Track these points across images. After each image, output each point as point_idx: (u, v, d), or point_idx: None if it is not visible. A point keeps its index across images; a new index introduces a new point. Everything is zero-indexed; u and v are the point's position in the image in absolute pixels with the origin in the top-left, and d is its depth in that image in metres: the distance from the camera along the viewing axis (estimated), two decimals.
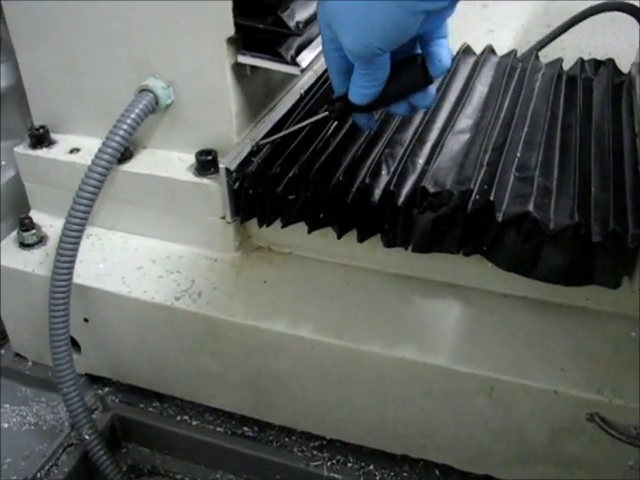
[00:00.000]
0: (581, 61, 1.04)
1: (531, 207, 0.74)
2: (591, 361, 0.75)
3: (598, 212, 0.75)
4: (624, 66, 1.03)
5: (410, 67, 0.72)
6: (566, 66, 1.04)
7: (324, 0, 0.67)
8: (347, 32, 0.66)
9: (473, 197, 0.75)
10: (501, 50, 1.09)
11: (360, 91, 0.72)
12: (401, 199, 0.78)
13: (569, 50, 1.19)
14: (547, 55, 1.11)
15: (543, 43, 1.18)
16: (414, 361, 0.76)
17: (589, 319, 0.79)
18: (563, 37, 1.18)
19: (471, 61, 1.05)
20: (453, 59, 1.04)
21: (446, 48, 0.72)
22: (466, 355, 0.76)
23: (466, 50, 1.08)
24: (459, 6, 0.67)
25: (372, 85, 0.72)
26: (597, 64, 1.04)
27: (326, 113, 0.79)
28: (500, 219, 0.73)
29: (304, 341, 0.79)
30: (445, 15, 0.69)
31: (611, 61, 1.04)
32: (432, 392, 0.78)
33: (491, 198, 0.74)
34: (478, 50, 1.08)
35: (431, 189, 0.76)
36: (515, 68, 1.01)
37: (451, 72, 1.00)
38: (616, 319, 0.79)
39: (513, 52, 1.06)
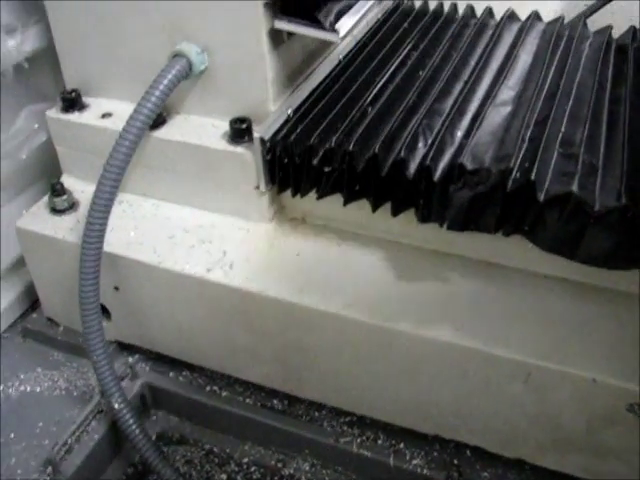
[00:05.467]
0: (633, 29, 0.99)
1: (575, 187, 0.70)
2: (633, 349, 0.72)
3: None
4: None
5: None
6: (616, 34, 0.99)
7: None
8: None
9: (513, 175, 0.72)
10: (547, 16, 1.04)
11: None
12: (437, 174, 0.75)
13: (619, 16, 1.14)
14: (595, 21, 1.06)
15: (592, 9, 1.13)
16: (449, 343, 0.74)
17: (632, 305, 0.76)
18: (613, 2, 1.13)
19: (515, 28, 1.00)
20: (497, 25, 1.00)
21: None
22: (503, 338, 0.74)
23: (511, 16, 1.03)
24: None
25: None
26: None
27: None
28: (542, 199, 0.70)
29: (336, 318, 0.77)
30: None
31: None
32: (467, 375, 0.76)
33: (532, 177, 0.71)
34: (523, 16, 1.03)
35: (469, 166, 0.74)
36: (561, 36, 0.96)
37: (494, 39, 0.96)
38: None
39: (560, 19, 1.01)
